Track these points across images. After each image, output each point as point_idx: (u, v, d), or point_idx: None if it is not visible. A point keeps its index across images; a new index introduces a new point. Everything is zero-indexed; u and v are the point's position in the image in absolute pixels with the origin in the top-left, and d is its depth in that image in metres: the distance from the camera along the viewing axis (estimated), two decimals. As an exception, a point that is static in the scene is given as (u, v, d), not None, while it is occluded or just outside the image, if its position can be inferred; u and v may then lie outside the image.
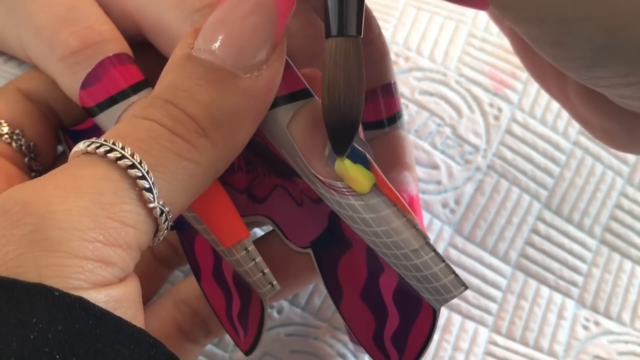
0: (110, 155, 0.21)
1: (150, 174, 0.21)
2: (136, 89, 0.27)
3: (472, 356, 0.36)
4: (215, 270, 0.28)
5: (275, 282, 0.26)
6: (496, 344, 0.36)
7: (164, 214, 0.21)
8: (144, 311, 0.30)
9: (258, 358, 0.34)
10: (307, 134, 0.23)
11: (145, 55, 0.28)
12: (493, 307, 0.37)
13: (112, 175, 0.20)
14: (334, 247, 0.26)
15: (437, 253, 0.23)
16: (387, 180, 0.23)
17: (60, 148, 0.31)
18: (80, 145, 0.21)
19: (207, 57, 0.22)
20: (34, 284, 0.18)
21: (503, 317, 0.36)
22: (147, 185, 0.21)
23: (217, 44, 0.22)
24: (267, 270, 0.26)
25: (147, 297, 0.31)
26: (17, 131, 0.29)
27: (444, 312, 0.36)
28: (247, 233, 0.26)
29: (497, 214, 0.37)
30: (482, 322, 0.36)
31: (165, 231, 0.22)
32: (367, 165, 0.23)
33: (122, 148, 0.21)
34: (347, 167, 0.23)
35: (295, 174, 0.25)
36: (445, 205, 0.37)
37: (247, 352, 0.28)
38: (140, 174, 0.20)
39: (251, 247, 0.26)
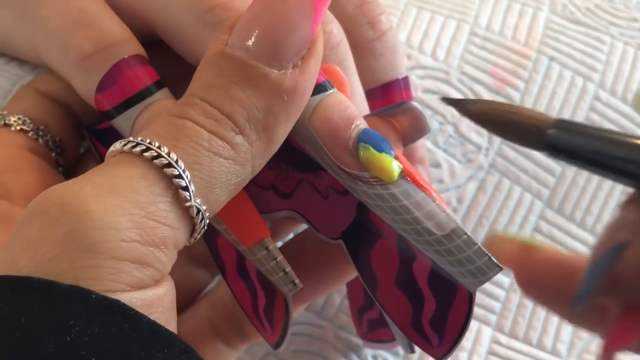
0: (147, 154, 0.20)
1: (187, 172, 0.21)
2: (153, 89, 0.26)
3: (476, 355, 0.36)
4: (239, 267, 0.27)
5: (297, 281, 0.25)
6: (499, 343, 0.36)
7: (200, 213, 0.21)
8: (182, 316, 0.30)
9: (261, 357, 0.34)
10: (329, 127, 0.23)
11: (159, 54, 0.28)
12: (496, 306, 0.36)
13: (149, 175, 0.20)
14: (364, 237, 0.26)
15: (469, 235, 0.23)
16: (412, 167, 0.23)
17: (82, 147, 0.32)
18: (117, 145, 0.21)
19: (240, 54, 0.22)
20: (71, 286, 0.18)
21: (506, 316, 0.36)
22: (184, 184, 0.20)
23: (251, 41, 0.22)
24: (289, 269, 0.25)
25: (186, 303, 0.31)
26: (42, 127, 0.29)
27: (447, 311, 0.36)
28: (267, 232, 0.26)
29: (500, 212, 0.37)
30: (485, 321, 0.36)
31: (202, 230, 0.22)
32: (391, 153, 0.23)
33: (159, 147, 0.21)
34: (372, 157, 0.23)
35: (320, 168, 0.25)
36: (447, 203, 0.37)
37: (275, 347, 0.28)
38: (177, 173, 0.20)
39: (272, 246, 0.25)
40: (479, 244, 0.23)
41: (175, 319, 0.21)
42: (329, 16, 0.28)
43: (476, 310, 0.36)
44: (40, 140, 0.29)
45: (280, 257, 0.25)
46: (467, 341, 0.36)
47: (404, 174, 0.23)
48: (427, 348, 0.26)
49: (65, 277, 0.18)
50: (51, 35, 0.27)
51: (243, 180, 0.22)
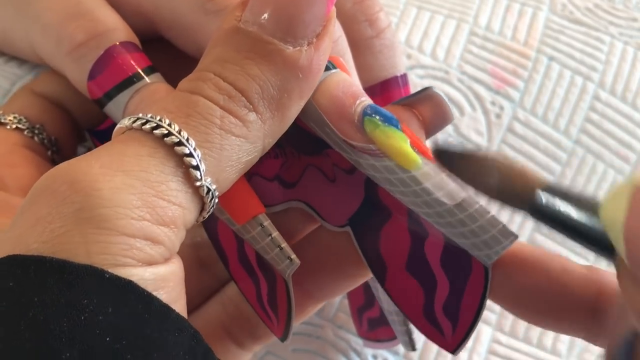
0: (157, 132, 0.20)
1: (197, 151, 0.20)
2: (143, 74, 0.26)
3: (476, 355, 0.36)
4: (240, 254, 0.27)
5: (293, 256, 0.24)
6: (499, 343, 0.36)
7: (210, 192, 0.21)
8: (191, 317, 0.30)
9: (260, 357, 0.34)
10: (334, 103, 0.23)
11: (157, 52, 0.28)
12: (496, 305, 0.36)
13: (159, 153, 0.20)
14: (373, 218, 0.25)
15: (481, 204, 0.22)
16: (420, 139, 0.23)
17: (81, 150, 0.32)
18: (125, 121, 0.21)
19: (255, 30, 0.21)
20: (84, 265, 0.18)
21: (506, 316, 0.36)
22: (194, 163, 0.20)
23: (265, 16, 0.21)
24: (284, 244, 0.25)
25: (194, 306, 0.30)
26: (37, 126, 0.29)
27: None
28: (262, 208, 0.25)
29: (500, 212, 0.37)
30: (485, 321, 0.36)
31: (211, 209, 0.21)
32: (397, 126, 0.23)
33: (169, 125, 0.20)
34: (379, 129, 0.22)
35: (326, 146, 0.24)
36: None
37: (282, 339, 0.27)
38: (188, 152, 0.20)
39: (266, 223, 0.25)
40: (492, 212, 0.22)
41: (185, 297, 0.21)
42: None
43: (476, 309, 0.36)
44: (35, 138, 0.29)
45: (275, 234, 0.25)
46: (467, 341, 0.36)
47: (411, 145, 0.22)
48: (439, 339, 0.25)
49: (77, 251, 0.18)
50: (46, 28, 0.27)
51: (253, 159, 0.22)
